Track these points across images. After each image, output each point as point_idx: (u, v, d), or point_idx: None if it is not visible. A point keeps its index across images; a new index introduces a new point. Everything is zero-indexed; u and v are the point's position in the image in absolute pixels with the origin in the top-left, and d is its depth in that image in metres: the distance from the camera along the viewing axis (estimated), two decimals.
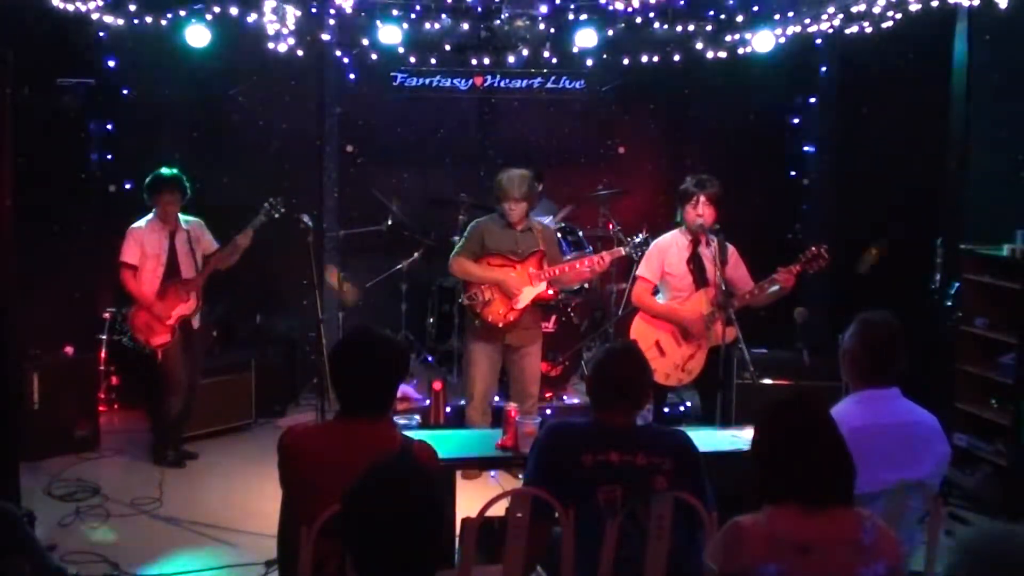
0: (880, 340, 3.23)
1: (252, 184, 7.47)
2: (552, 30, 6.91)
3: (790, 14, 6.53)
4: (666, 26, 6.81)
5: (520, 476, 4.23)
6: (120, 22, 6.48)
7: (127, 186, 7.40)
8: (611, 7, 6.38)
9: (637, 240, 5.48)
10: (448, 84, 7.63)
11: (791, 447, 2.53)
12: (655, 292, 5.42)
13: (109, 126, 7.27)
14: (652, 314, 5.33)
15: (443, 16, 6.70)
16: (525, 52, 7.17)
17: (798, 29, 6.65)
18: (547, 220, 7.19)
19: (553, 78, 7.64)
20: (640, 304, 5.38)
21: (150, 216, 5.87)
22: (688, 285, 5.26)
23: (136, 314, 5.85)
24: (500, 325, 5.49)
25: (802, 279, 5.18)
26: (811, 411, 2.58)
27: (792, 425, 2.55)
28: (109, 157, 7.29)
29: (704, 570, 2.59)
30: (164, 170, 5.85)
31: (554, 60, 7.28)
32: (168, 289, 5.87)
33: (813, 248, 5.06)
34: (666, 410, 5.98)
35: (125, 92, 7.28)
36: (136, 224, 5.87)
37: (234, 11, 6.28)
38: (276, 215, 5.88)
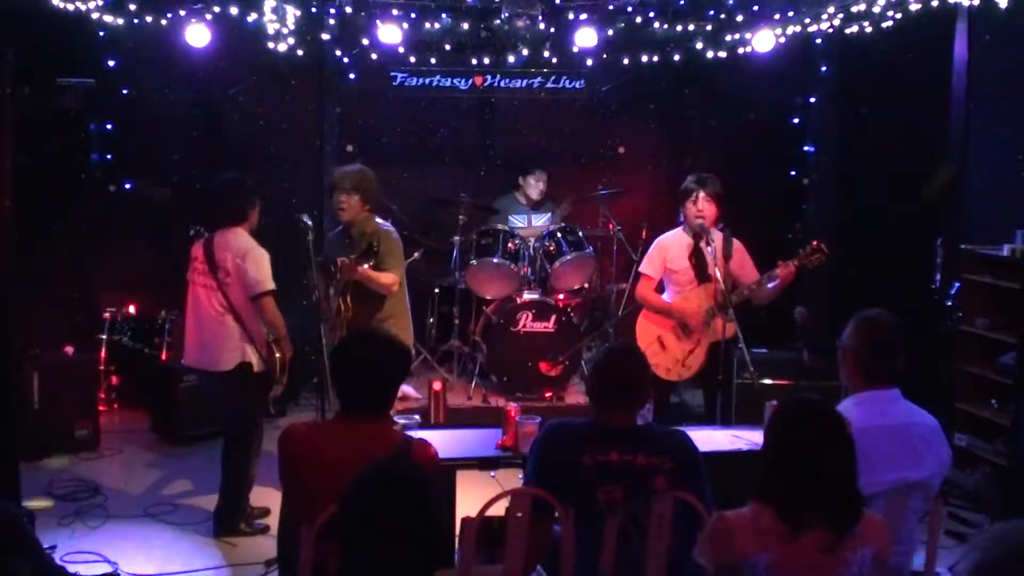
0: (882, 337, 3.23)
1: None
2: (552, 30, 6.90)
3: (790, 14, 6.53)
4: (666, 26, 6.81)
5: (520, 476, 4.22)
6: (120, 22, 6.48)
7: (127, 186, 7.41)
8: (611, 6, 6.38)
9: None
10: (448, 84, 7.63)
11: (797, 466, 2.48)
12: (661, 290, 5.50)
13: (109, 126, 7.28)
14: (653, 310, 5.42)
15: (443, 16, 6.69)
16: (525, 52, 7.16)
17: (798, 29, 6.64)
18: (546, 218, 7.20)
19: (553, 78, 7.65)
20: (642, 300, 5.48)
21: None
22: (690, 280, 5.32)
23: (287, 350, 5.07)
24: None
25: (802, 277, 5.18)
26: (828, 431, 2.51)
27: (805, 441, 2.50)
28: (109, 157, 7.30)
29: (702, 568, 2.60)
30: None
31: (554, 60, 7.28)
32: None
33: (813, 242, 5.08)
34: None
35: (125, 92, 7.28)
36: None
37: (234, 11, 6.28)
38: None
